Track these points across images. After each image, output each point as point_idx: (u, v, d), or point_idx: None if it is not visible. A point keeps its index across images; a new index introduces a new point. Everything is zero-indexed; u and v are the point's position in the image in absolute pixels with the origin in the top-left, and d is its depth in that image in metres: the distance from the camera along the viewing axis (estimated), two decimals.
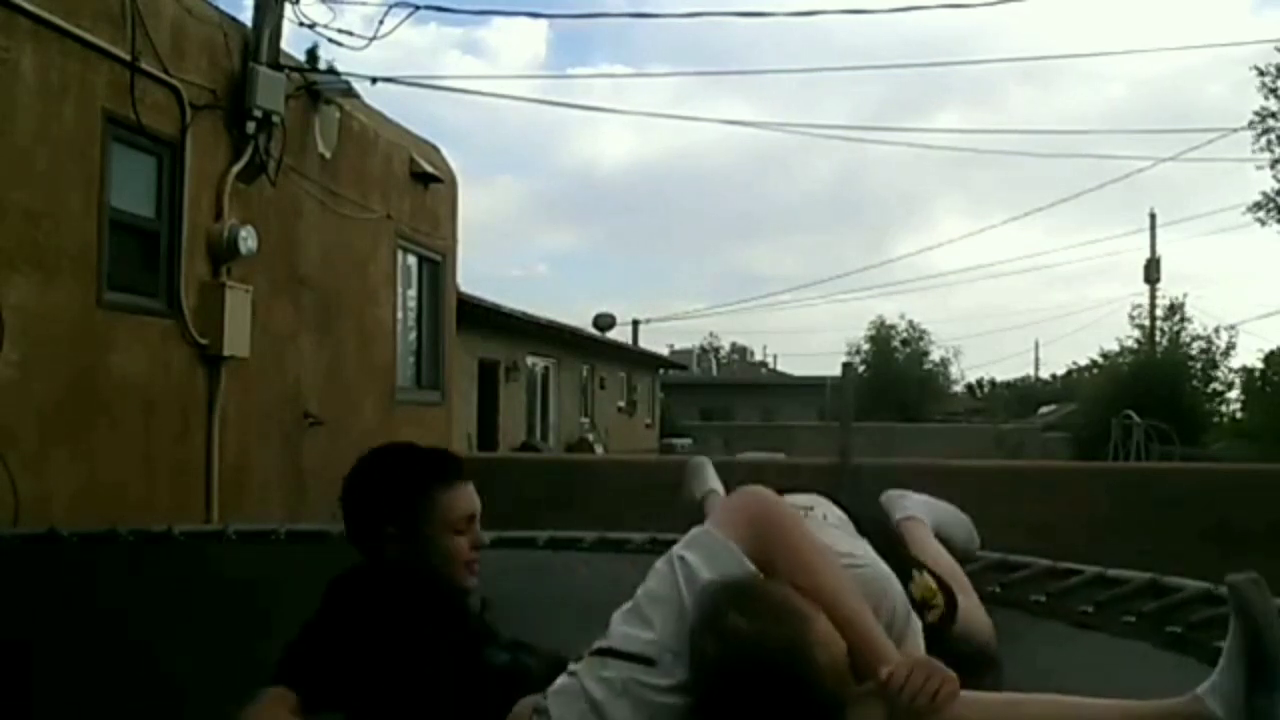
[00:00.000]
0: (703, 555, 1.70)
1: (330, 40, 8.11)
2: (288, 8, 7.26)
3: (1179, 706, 1.62)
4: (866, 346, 41.00)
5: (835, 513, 2.31)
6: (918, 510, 2.73)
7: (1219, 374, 25.18)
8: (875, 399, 33.22)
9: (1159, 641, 2.32)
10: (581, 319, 24.81)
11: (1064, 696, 1.72)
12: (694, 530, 1.78)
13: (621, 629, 1.71)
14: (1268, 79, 19.11)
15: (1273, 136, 19.28)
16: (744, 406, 39.36)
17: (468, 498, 2.02)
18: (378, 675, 1.83)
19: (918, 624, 1.96)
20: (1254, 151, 19.36)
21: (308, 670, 1.86)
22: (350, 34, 8.17)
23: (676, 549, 1.75)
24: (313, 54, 7.90)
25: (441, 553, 1.96)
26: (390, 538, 1.96)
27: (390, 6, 8.09)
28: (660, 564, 1.77)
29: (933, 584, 2.21)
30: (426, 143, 10.14)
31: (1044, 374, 49.73)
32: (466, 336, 12.42)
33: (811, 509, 2.25)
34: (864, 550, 2.07)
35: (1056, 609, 2.63)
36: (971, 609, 2.35)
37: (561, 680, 1.70)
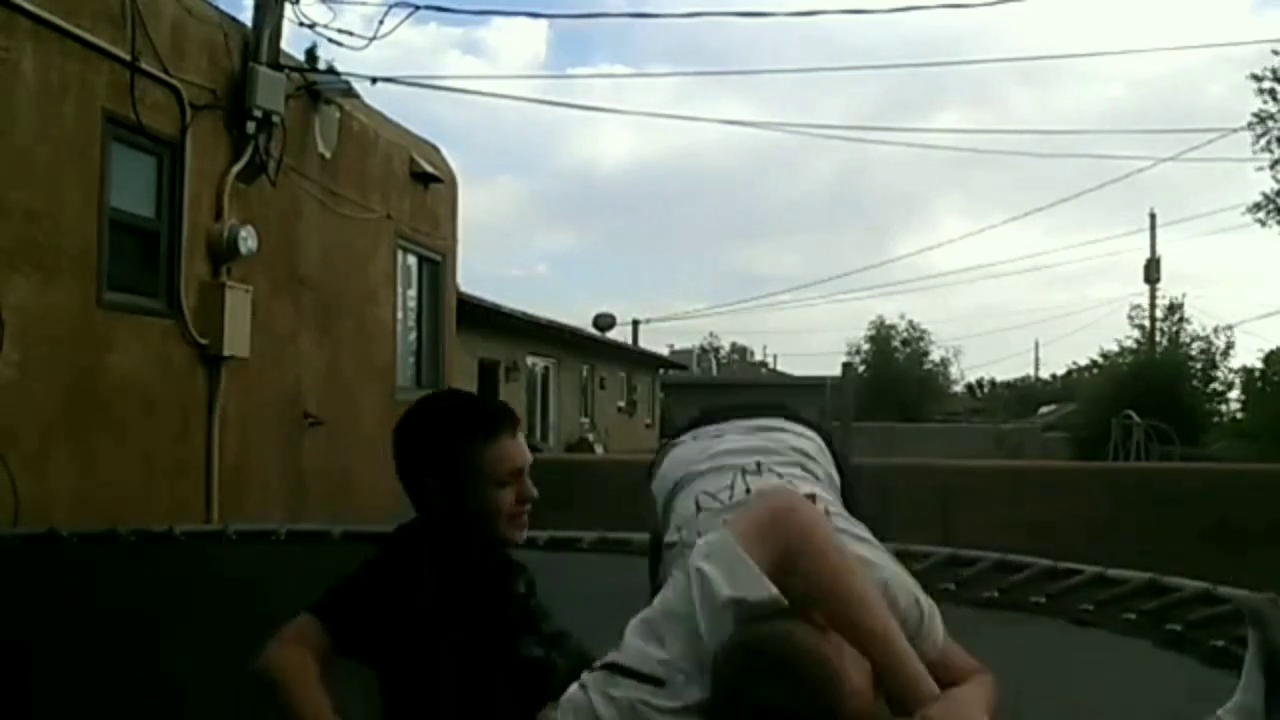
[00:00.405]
0: (722, 570, 1.62)
1: (330, 40, 8.11)
2: (288, 8, 7.26)
3: None
4: (866, 346, 41.04)
5: (834, 502, 2.03)
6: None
7: (1219, 374, 25.22)
8: (875, 399, 33.23)
9: (1159, 640, 2.32)
10: (581, 319, 24.82)
11: None
12: (714, 538, 1.68)
13: (635, 643, 1.67)
14: (1264, 83, 19.11)
15: (1272, 138, 19.28)
16: None
17: (514, 450, 1.95)
18: (411, 643, 1.83)
19: (933, 612, 1.78)
20: (1254, 152, 19.37)
21: (346, 616, 1.85)
22: (350, 34, 8.18)
23: (695, 559, 1.66)
24: (312, 54, 7.91)
25: (484, 505, 1.92)
26: (433, 489, 1.94)
27: (390, 6, 8.10)
28: (678, 574, 1.71)
29: None
30: (426, 143, 10.14)
31: (1044, 374, 49.80)
32: (466, 336, 12.42)
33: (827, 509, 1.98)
34: (878, 553, 1.87)
35: (1057, 609, 2.63)
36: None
37: (571, 691, 1.66)
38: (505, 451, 1.94)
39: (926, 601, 1.76)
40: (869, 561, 1.76)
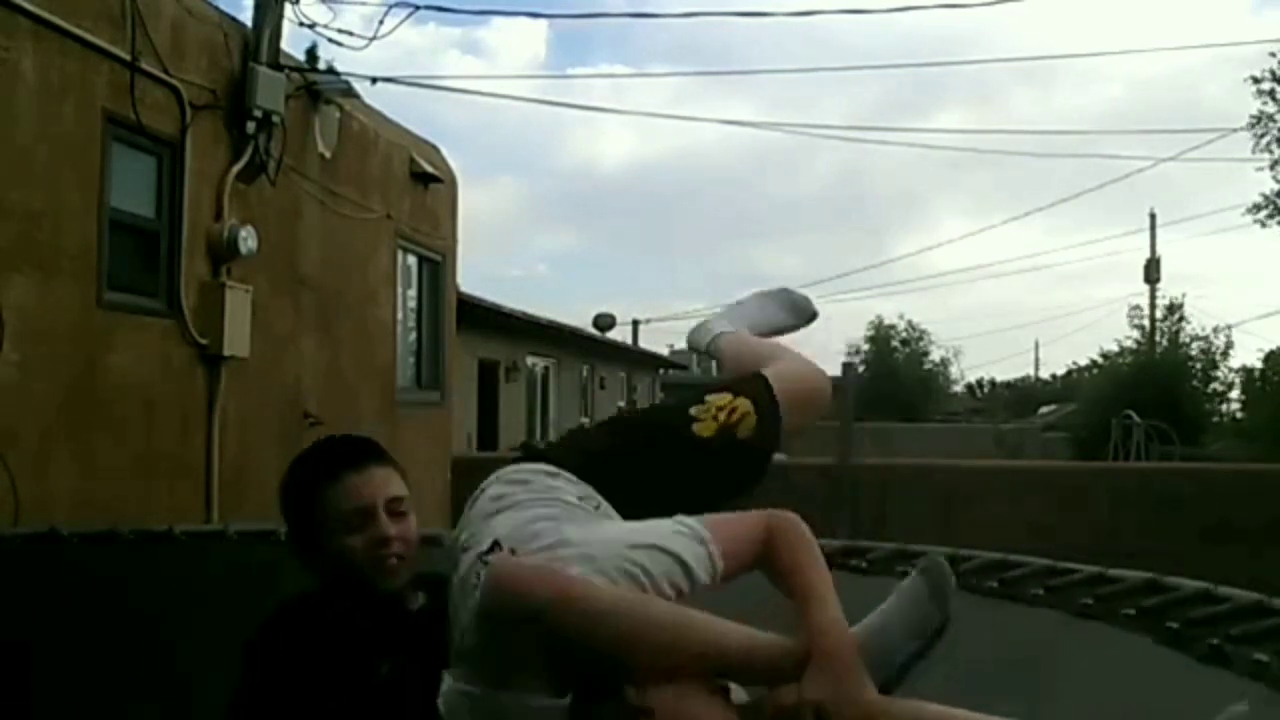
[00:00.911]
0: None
1: (330, 40, 8.12)
2: (288, 8, 7.26)
3: None
4: (866, 346, 41.02)
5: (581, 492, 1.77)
6: (724, 324, 2.37)
7: (1219, 374, 25.22)
8: (875, 399, 33.20)
9: (1158, 637, 2.33)
10: (581, 319, 24.79)
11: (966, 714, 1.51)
12: (677, 542, 1.54)
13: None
14: (1264, 84, 19.11)
15: (1272, 138, 19.28)
16: None
17: (355, 488, 1.76)
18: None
19: (691, 544, 1.55)
20: (1254, 152, 19.37)
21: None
22: (350, 34, 8.19)
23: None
24: (312, 53, 7.92)
25: (345, 559, 1.75)
26: (303, 558, 1.82)
27: (390, 6, 8.11)
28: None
29: (724, 397, 1.92)
30: (426, 143, 10.14)
31: (1044, 374, 49.76)
32: (466, 336, 12.42)
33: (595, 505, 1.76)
34: (605, 543, 1.57)
35: (1055, 602, 2.64)
36: (791, 372, 2.08)
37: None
38: (346, 492, 1.76)
39: (680, 544, 1.55)
40: (596, 569, 1.50)
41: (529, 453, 1.91)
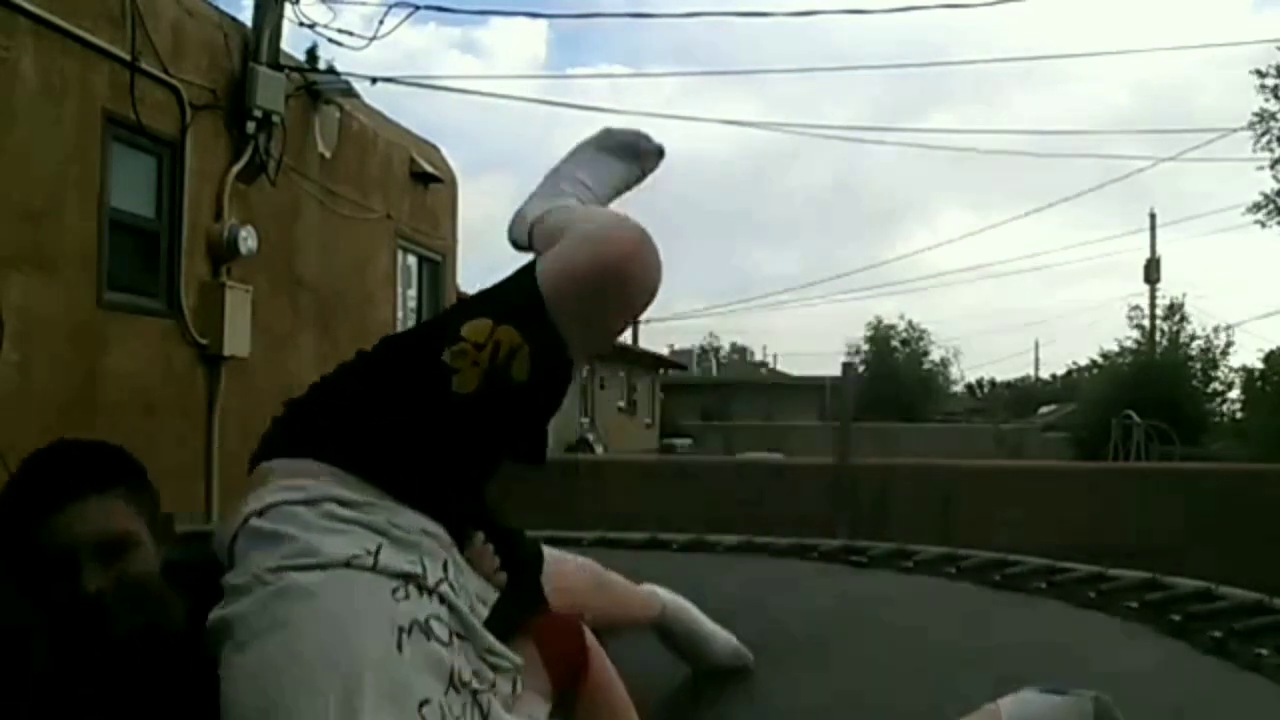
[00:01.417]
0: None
1: (330, 40, 8.14)
2: (288, 8, 7.27)
3: None
4: (866, 346, 41.05)
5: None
6: (539, 204, 1.79)
7: (1219, 374, 25.21)
8: (875, 399, 33.23)
9: (1160, 628, 2.33)
10: None
11: None
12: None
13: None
14: (1268, 80, 19.13)
15: (1272, 137, 19.29)
16: (744, 406, 39.33)
17: (63, 530, 1.38)
18: None
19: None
20: (1255, 152, 19.39)
21: None
22: (350, 34, 8.19)
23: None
24: (312, 54, 7.92)
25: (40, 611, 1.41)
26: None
27: (390, 6, 8.11)
28: None
29: (481, 326, 1.40)
30: (426, 143, 10.14)
31: (1044, 374, 49.74)
32: None
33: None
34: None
35: (1056, 596, 2.65)
36: (567, 251, 1.50)
37: None
38: (51, 531, 1.39)
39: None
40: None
41: (271, 448, 1.51)
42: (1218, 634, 2.18)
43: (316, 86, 7.80)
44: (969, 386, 50.06)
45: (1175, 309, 26.46)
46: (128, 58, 5.86)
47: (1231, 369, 25.04)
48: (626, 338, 29.00)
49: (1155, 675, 2.06)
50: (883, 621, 2.53)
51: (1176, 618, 2.34)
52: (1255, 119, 19.28)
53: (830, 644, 2.37)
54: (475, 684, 1.22)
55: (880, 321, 40.91)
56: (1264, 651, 2.07)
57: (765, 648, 2.20)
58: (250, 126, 6.88)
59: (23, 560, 1.40)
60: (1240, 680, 2.01)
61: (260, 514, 1.36)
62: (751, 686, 2.12)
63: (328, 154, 8.07)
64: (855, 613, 2.59)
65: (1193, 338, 25.82)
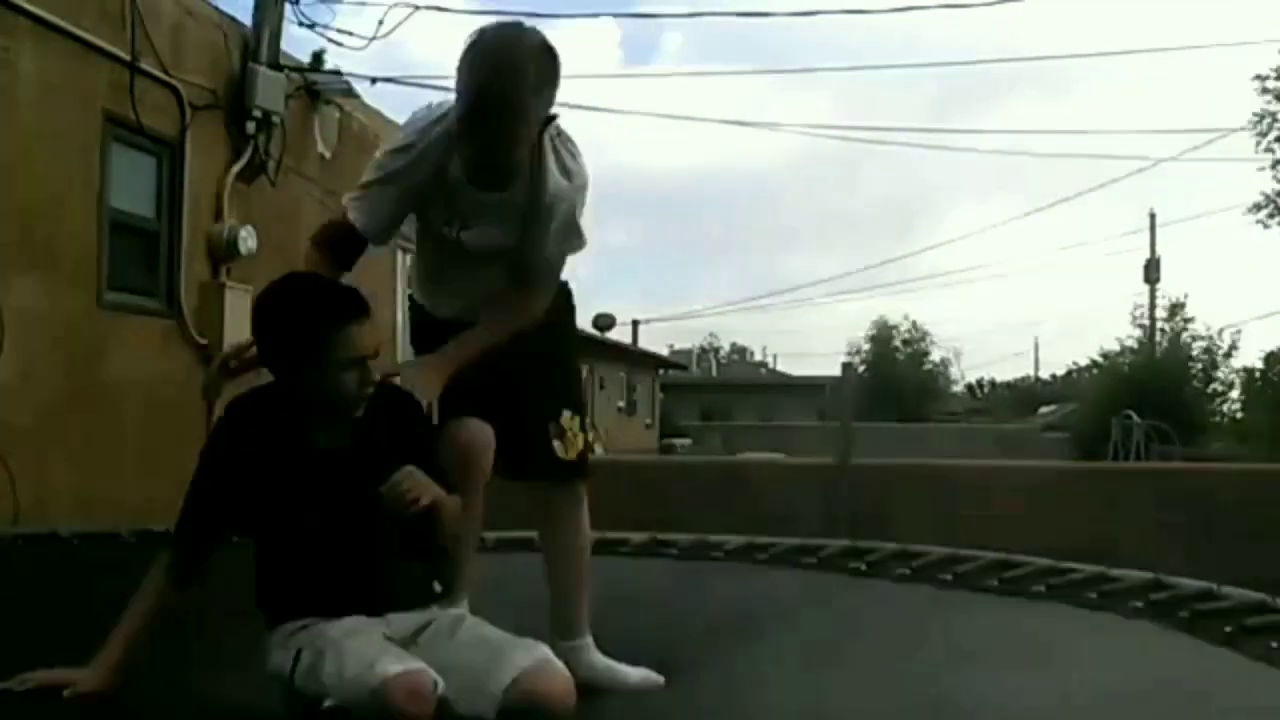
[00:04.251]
0: None
1: (330, 40, 8.13)
2: (288, 8, 7.26)
3: None
4: (867, 347, 41.06)
5: None
6: None
7: (1219, 374, 25.17)
8: (875, 399, 33.23)
9: (1167, 624, 2.33)
10: (581, 319, 24.77)
11: None
12: None
13: None
14: (1268, 81, 19.13)
15: (1274, 137, 19.29)
16: (744, 406, 39.33)
17: (356, 340, 2.06)
18: (272, 500, 2.08)
19: None
20: (1256, 151, 19.40)
21: (211, 505, 2.13)
22: (350, 34, 8.18)
23: None
24: (318, 56, 7.90)
25: (334, 391, 2.05)
26: (281, 370, 2.12)
27: (390, 7, 8.10)
28: None
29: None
30: None
31: (1044, 374, 49.74)
32: None
33: None
34: None
35: (1058, 598, 2.64)
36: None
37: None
38: (351, 339, 2.05)
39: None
40: None
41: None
42: (1228, 629, 2.18)
43: (316, 86, 7.79)
44: (969, 386, 50.12)
45: (1177, 309, 26.43)
46: (128, 58, 5.85)
47: (1232, 369, 25.02)
48: (626, 337, 29.01)
49: (1166, 669, 2.06)
50: (884, 626, 2.53)
51: (1184, 615, 2.34)
52: (1255, 119, 19.30)
53: (832, 649, 2.36)
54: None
55: (885, 322, 40.94)
56: (1275, 644, 2.07)
57: (763, 656, 2.20)
58: (250, 127, 6.87)
59: (322, 351, 2.04)
60: (1253, 670, 2.01)
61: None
62: (751, 694, 2.12)
63: (328, 154, 8.06)
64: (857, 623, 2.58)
65: (1194, 337, 25.78)
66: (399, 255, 9.50)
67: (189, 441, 6.73)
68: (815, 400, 35.63)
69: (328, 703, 1.81)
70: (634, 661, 2.29)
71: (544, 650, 1.89)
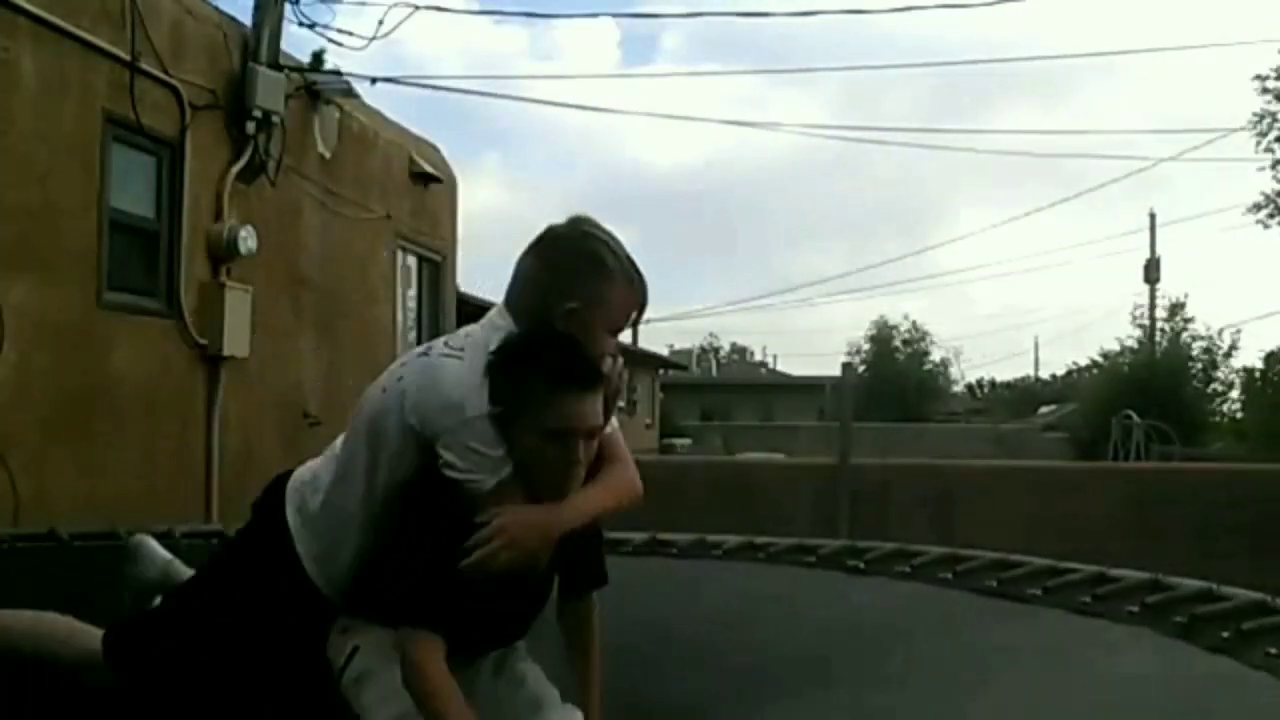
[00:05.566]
0: None
1: (330, 40, 8.12)
2: (288, 8, 7.26)
3: None
4: (867, 347, 41.06)
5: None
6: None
7: (1219, 374, 25.17)
8: (875, 399, 33.23)
9: (1164, 630, 2.33)
10: None
11: None
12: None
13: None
14: (1268, 82, 19.13)
15: (1274, 137, 19.30)
16: (744, 406, 39.34)
17: (573, 411, 1.90)
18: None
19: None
20: (1256, 151, 19.40)
21: (449, 609, 1.88)
22: (350, 34, 8.18)
23: None
24: (319, 57, 7.90)
25: (526, 450, 1.92)
26: (497, 415, 1.92)
27: (390, 7, 8.10)
28: None
29: None
30: (426, 143, 10.13)
31: (1044, 374, 49.71)
32: None
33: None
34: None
35: (1057, 601, 2.64)
36: None
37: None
38: (561, 404, 1.89)
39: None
40: None
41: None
42: (1225, 634, 2.17)
43: (316, 87, 7.79)
44: (969, 386, 50.09)
45: (1177, 309, 26.44)
46: (127, 58, 5.85)
47: (1232, 369, 25.02)
48: (627, 338, 28.96)
49: (1159, 676, 2.05)
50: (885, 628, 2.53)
51: (1180, 619, 2.33)
52: (1255, 119, 19.30)
53: (831, 655, 2.36)
54: None
55: (885, 322, 40.95)
56: (1272, 651, 2.07)
57: (764, 665, 2.20)
58: (250, 127, 6.87)
59: (535, 411, 1.88)
60: (1248, 679, 2.01)
61: None
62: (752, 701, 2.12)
63: (327, 154, 8.06)
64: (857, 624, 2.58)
65: (1195, 337, 25.77)
66: (399, 255, 9.51)
67: (189, 441, 6.78)
68: (815, 400, 35.64)
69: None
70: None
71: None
